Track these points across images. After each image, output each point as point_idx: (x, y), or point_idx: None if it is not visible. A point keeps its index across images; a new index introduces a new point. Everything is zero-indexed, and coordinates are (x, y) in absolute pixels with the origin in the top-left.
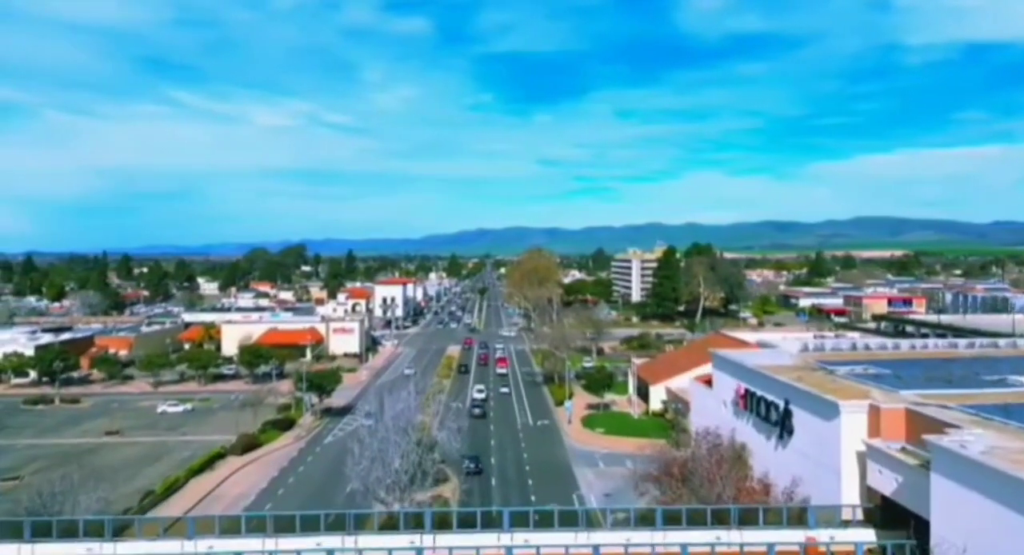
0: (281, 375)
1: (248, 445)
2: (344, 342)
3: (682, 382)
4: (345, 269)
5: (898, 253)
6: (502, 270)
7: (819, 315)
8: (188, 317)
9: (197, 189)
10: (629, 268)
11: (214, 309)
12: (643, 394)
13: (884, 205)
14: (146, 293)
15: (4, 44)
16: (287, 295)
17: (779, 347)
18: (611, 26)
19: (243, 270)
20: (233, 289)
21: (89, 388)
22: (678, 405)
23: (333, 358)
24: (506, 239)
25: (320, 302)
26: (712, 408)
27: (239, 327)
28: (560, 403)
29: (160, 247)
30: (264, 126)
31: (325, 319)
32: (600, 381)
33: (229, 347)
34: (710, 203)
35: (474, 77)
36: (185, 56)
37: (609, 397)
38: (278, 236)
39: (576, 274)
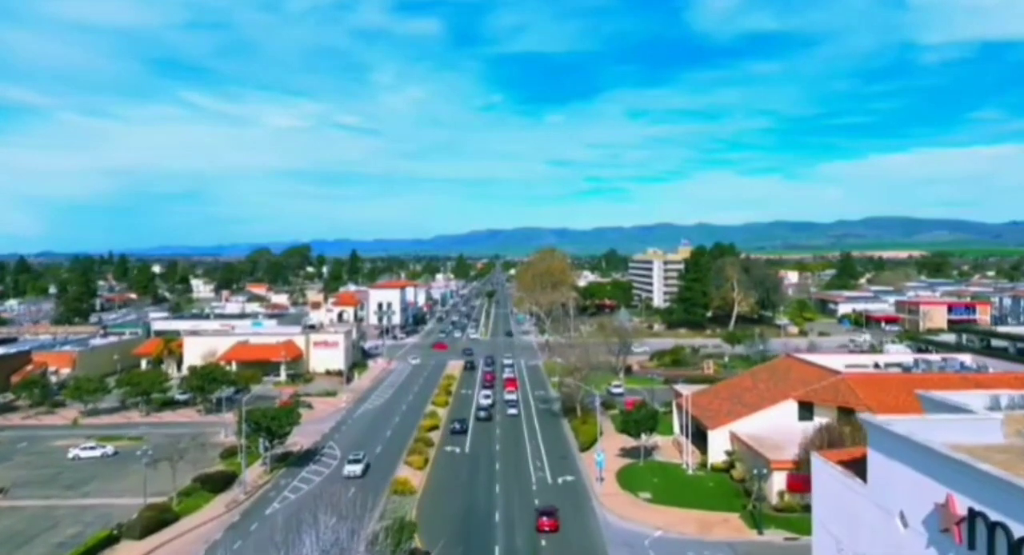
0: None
1: (154, 522)
2: (327, 357)
3: (753, 426)
4: (348, 270)
5: (915, 253)
6: (512, 271)
7: (867, 323)
8: (159, 325)
9: (209, 190)
10: (650, 270)
11: (193, 316)
12: (694, 434)
13: (897, 205)
14: (133, 296)
15: (19, 47)
16: (282, 298)
17: (974, 409)
18: (623, 26)
19: (243, 271)
20: (225, 292)
21: (9, 418)
22: (762, 470)
23: (311, 378)
24: (516, 240)
25: (316, 306)
26: (868, 518)
27: (204, 340)
28: (586, 446)
29: (172, 248)
30: (276, 127)
31: (305, 330)
32: (642, 422)
33: (193, 364)
34: (721, 203)
35: (485, 78)
36: (198, 58)
37: (648, 437)
38: (289, 237)
39: (589, 276)
